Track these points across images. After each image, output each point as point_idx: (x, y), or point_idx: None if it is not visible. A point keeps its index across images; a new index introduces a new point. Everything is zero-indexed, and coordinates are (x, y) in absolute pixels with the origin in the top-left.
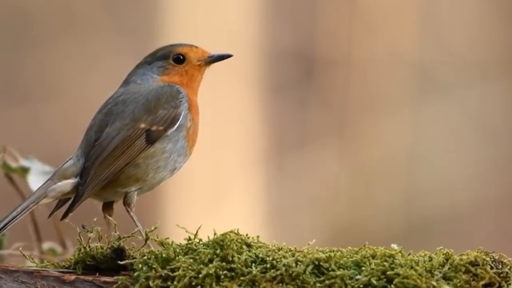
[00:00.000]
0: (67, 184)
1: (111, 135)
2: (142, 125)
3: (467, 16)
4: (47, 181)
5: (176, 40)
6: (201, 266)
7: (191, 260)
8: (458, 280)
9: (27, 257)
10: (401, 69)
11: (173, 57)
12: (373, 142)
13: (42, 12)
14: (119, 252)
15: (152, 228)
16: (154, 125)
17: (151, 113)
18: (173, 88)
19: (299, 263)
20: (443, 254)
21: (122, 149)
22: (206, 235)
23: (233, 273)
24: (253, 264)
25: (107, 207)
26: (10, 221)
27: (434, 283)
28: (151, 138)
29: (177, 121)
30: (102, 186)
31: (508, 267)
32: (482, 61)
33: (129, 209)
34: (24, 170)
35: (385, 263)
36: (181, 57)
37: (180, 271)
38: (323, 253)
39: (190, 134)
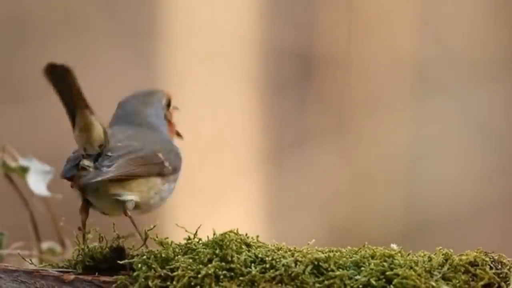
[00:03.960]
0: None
1: (137, 147)
2: (160, 155)
3: (467, 15)
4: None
5: (176, 40)
6: (200, 266)
7: (191, 260)
8: (457, 281)
9: (27, 259)
10: (401, 68)
11: (168, 103)
12: (373, 141)
13: (40, 10)
14: (119, 252)
15: (152, 227)
16: (167, 163)
17: (168, 153)
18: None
19: (298, 263)
20: (442, 255)
21: (145, 161)
22: (205, 235)
23: (232, 273)
24: (253, 264)
25: (85, 210)
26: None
27: (433, 284)
28: (162, 172)
29: (179, 170)
30: (114, 179)
31: (508, 267)
32: (483, 61)
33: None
34: (24, 170)
35: (384, 263)
36: (169, 103)
37: (180, 271)
38: (323, 253)
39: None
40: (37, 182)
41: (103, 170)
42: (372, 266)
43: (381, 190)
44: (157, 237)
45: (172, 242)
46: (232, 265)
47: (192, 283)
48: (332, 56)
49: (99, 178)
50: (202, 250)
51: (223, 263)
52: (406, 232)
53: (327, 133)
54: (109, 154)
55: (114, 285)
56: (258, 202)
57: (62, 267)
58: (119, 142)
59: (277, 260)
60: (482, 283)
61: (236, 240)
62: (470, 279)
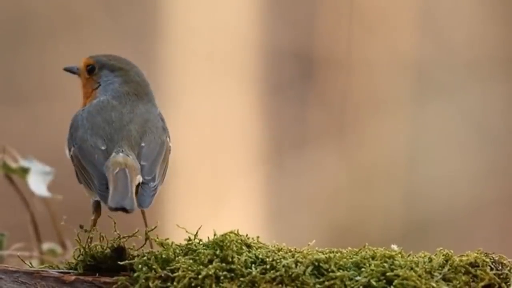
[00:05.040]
0: (139, 180)
1: (155, 141)
2: (168, 140)
3: (466, 16)
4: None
5: (176, 40)
6: (201, 267)
7: (191, 261)
8: (457, 282)
9: (27, 262)
10: (401, 69)
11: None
12: (373, 142)
13: (41, 11)
14: (120, 252)
15: (153, 227)
16: (170, 141)
17: (166, 131)
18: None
19: (298, 264)
20: (443, 255)
21: (166, 153)
22: (206, 236)
23: (232, 274)
24: (253, 265)
25: (99, 209)
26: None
27: (434, 285)
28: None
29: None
30: None
31: (508, 268)
32: (482, 62)
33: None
34: (24, 171)
35: (384, 264)
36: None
37: (180, 272)
38: (323, 254)
39: None
40: (38, 183)
41: (151, 187)
42: (372, 267)
43: (381, 191)
44: (157, 238)
45: (172, 243)
46: (233, 266)
47: (193, 284)
48: (333, 56)
49: (153, 199)
50: (202, 251)
51: (224, 264)
52: (406, 232)
53: (327, 134)
54: (143, 163)
55: (114, 286)
56: (258, 203)
57: (62, 268)
58: (142, 142)
59: (278, 261)
60: (482, 284)
61: (236, 241)
62: (471, 280)
